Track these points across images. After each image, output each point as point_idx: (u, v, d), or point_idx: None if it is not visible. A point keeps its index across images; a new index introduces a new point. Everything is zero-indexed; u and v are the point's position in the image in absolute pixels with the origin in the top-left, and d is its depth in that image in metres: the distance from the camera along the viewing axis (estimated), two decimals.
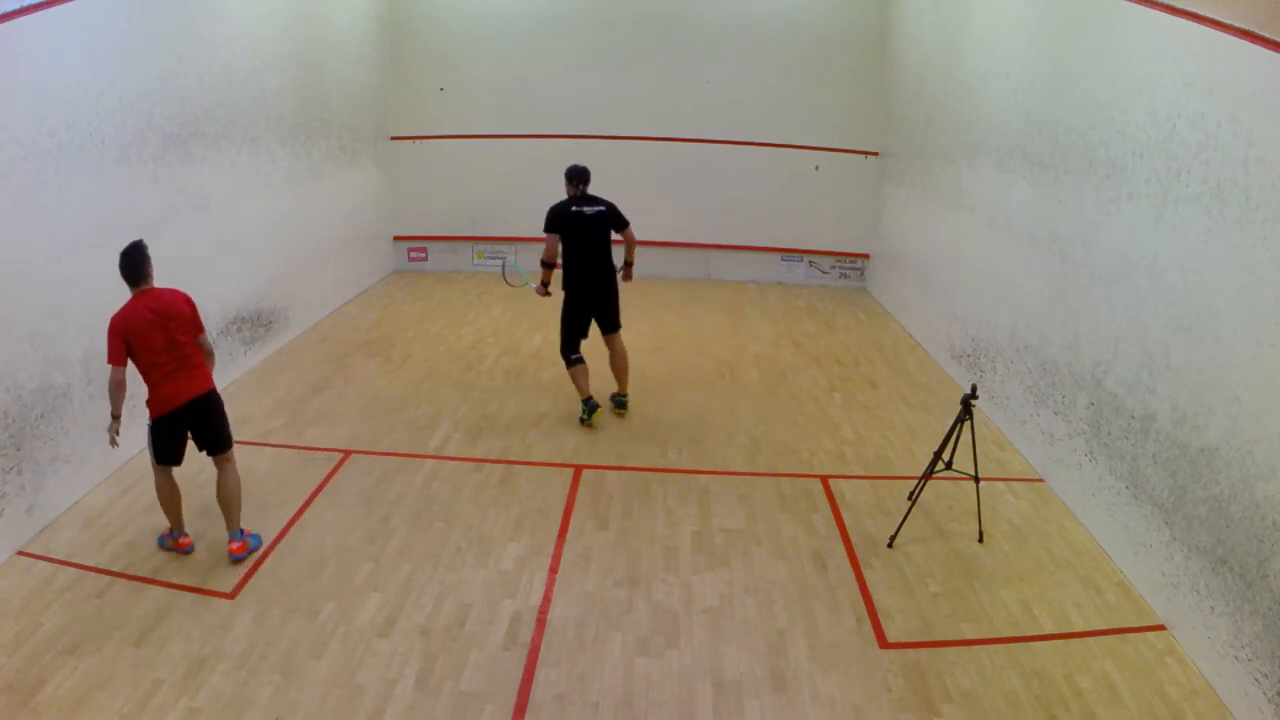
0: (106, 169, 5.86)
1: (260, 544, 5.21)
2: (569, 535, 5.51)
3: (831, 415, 7.55)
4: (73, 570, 4.91)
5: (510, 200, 11.76)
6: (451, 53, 11.80)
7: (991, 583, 5.09)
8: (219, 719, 3.90)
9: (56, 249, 5.36)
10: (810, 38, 11.55)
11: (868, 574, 5.16)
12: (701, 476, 6.35)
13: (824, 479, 6.36)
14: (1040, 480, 6.36)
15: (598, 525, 5.64)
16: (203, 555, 5.12)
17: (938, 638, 4.60)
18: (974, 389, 5.39)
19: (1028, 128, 6.89)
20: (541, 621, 4.66)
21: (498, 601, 4.81)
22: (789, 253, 12.24)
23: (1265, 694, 3.86)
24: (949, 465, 5.48)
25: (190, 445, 5.11)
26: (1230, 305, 4.33)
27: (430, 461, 6.44)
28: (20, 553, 5.03)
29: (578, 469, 6.40)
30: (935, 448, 5.63)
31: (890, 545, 5.44)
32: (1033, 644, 4.55)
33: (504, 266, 9.27)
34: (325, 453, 6.50)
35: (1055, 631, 4.66)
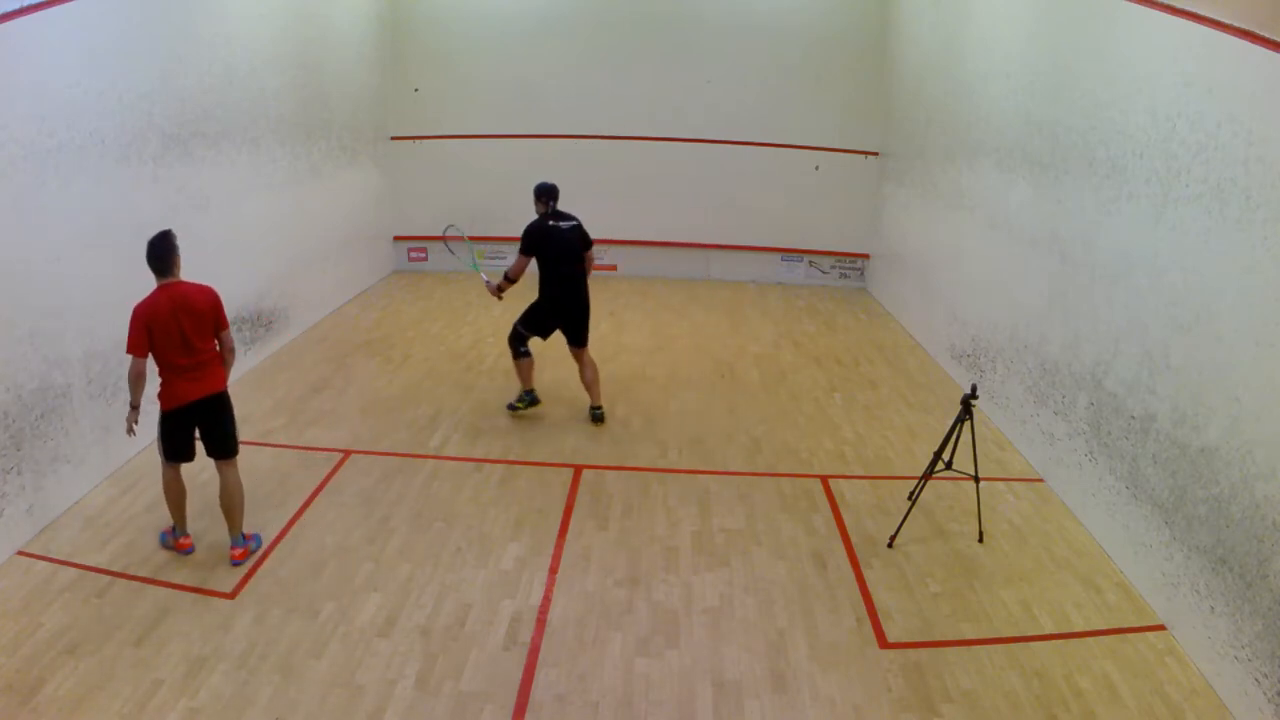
0: (106, 169, 5.86)
1: (261, 545, 5.22)
2: (569, 535, 5.51)
3: (831, 415, 7.55)
4: (73, 570, 4.91)
5: (510, 200, 11.64)
6: (451, 53, 11.81)
7: (991, 583, 5.09)
8: (219, 719, 3.90)
9: (56, 249, 5.35)
10: (810, 38, 11.56)
11: (868, 574, 5.16)
12: (701, 476, 6.35)
13: (824, 479, 6.36)
14: (1040, 480, 6.36)
15: (598, 525, 5.64)
16: (203, 555, 5.11)
17: (938, 638, 4.60)
18: (974, 389, 5.39)
19: (1028, 128, 6.89)
20: (541, 621, 4.66)
21: (498, 601, 4.81)
22: (789, 253, 12.24)
23: (1265, 694, 3.86)
24: (949, 465, 5.48)
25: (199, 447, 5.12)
26: (1230, 305, 4.33)
27: (430, 461, 6.44)
28: (20, 553, 5.03)
29: (578, 469, 6.40)
30: (935, 448, 5.63)
31: (890, 545, 5.44)
32: (1033, 644, 4.55)
33: (452, 230, 8.31)
34: (325, 453, 6.50)
35: (1055, 631, 4.66)
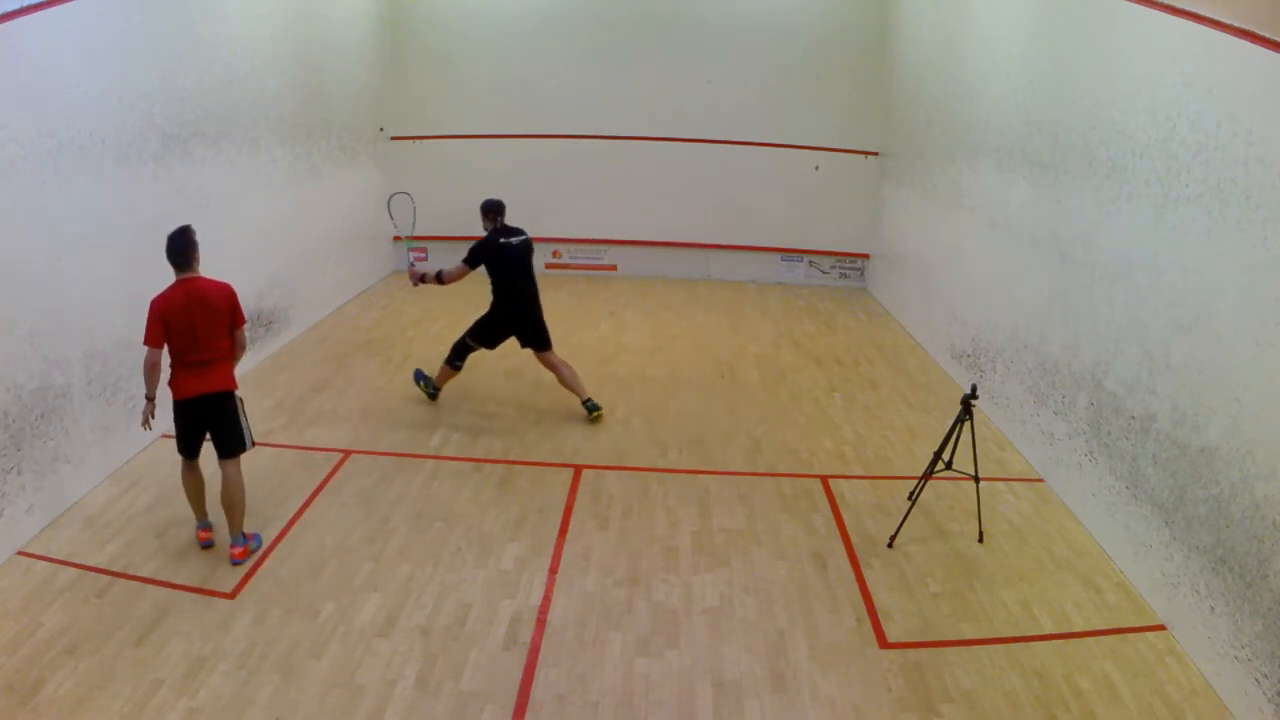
0: (106, 169, 5.86)
1: (261, 544, 5.22)
2: (569, 535, 5.51)
3: (831, 415, 7.55)
4: (73, 570, 4.91)
5: (510, 200, 11.71)
6: (451, 53, 11.80)
7: (991, 583, 5.09)
8: (219, 719, 3.90)
9: (56, 249, 5.35)
10: (810, 38, 11.56)
11: (868, 574, 5.16)
12: (701, 476, 6.35)
13: (824, 479, 6.36)
14: (1040, 480, 6.36)
15: (598, 525, 5.64)
16: (203, 555, 5.11)
17: (938, 638, 4.60)
18: (974, 389, 5.38)
19: (1028, 128, 6.89)
20: (541, 621, 4.66)
21: (498, 601, 4.81)
22: (789, 253, 12.24)
23: (1265, 694, 3.86)
24: (949, 465, 5.48)
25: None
26: (1230, 305, 4.33)
27: (430, 461, 6.44)
28: (20, 553, 5.03)
29: (578, 469, 6.40)
30: (935, 448, 5.63)
31: (890, 545, 5.44)
32: (1033, 644, 4.55)
33: (402, 198, 8.21)
34: (325, 453, 6.50)
35: (1055, 631, 4.66)
